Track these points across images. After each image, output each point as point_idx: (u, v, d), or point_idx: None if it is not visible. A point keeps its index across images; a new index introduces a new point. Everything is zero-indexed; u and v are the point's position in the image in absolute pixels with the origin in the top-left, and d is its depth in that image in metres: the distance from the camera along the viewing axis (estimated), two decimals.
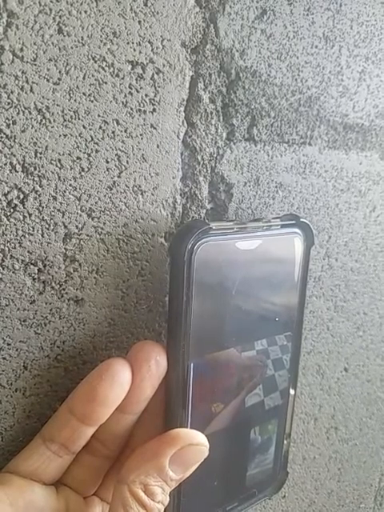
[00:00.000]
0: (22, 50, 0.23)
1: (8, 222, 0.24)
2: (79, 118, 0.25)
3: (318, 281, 0.39)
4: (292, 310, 0.32)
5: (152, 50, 0.26)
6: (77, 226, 0.26)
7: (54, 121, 0.24)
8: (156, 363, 0.26)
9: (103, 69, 0.25)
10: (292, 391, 0.33)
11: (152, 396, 0.26)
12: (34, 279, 0.25)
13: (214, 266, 0.27)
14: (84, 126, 0.25)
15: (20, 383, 0.27)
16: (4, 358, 0.26)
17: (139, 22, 0.25)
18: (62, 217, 0.25)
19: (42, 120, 0.24)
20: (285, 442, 0.34)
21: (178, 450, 0.25)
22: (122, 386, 0.25)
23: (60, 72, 0.24)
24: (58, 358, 0.27)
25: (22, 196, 0.24)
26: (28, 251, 0.25)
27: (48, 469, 0.25)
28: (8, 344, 0.26)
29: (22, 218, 0.24)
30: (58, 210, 0.25)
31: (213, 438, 0.27)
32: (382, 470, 0.52)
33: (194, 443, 0.26)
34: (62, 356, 0.27)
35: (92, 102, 0.25)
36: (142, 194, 0.28)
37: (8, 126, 0.23)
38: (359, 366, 0.45)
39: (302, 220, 0.30)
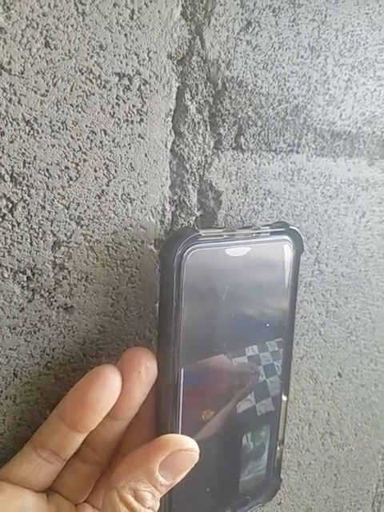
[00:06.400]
0: (9, 63, 0.23)
1: None
2: (67, 129, 0.25)
3: (308, 286, 0.39)
4: (283, 316, 0.32)
5: (138, 61, 0.27)
6: (66, 234, 0.26)
7: (42, 132, 0.25)
8: (146, 369, 0.26)
9: (90, 81, 0.25)
10: (284, 397, 0.33)
11: (142, 402, 0.27)
12: (23, 287, 0.26)
13: (203, 273, 0.27)
14: (72, 137, 0.25)
15: (10, 391, 0.27)
16: None
17: (125, 34, 0.26)
18: (51, 225, 0.26)
19: (30, 131, 0.24)
20: (278, 448, 0.34)
21: (168, 456, 0.25)
22: (112, 392, 0.25)
23: (47, 84, 0.24)
24: (47, 365, 0.28)
25: (10, 205, 0.24)
26: (17, 259, 0.25)
27: (39, 476, 0.26)
28: None
29: (10, 226, 0.25)
30: (47, 219, 0.26)
31: (204, 444, 0.27)
32: (379, 476, 0.52)
33: (184, 449, 0.26)
34: (52, 363, 0.28)
35: (79, 112, 0.25)
36: (130, 201, 0.28)
37: None
38: (353, 371, 0.45)
39: (291, 227, 0.31)
